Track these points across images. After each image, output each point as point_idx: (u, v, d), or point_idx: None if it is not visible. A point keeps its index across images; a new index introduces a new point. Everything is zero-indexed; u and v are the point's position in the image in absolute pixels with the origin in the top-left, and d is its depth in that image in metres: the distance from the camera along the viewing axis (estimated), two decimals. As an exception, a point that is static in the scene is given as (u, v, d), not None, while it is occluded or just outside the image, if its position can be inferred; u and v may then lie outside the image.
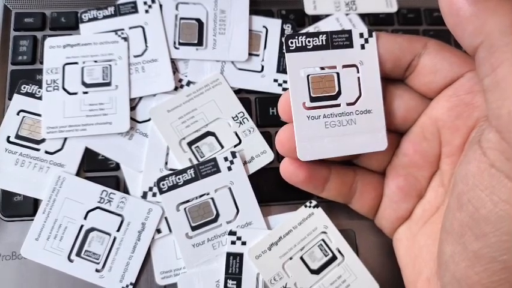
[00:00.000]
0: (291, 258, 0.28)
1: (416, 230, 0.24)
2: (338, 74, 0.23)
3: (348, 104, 0.23)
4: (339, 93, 0.23)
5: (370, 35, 0.23)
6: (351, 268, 0.28)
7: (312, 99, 0.23)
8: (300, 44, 0.23)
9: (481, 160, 0.18)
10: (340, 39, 0.23)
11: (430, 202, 0.24)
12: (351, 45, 0.23)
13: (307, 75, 0.23)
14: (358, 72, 0.23)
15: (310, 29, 0.27)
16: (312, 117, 0.23)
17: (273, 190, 0.30)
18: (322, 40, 0.23)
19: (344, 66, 0.23)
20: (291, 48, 0.23)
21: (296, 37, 0.23)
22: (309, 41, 0.23)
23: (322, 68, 0.23)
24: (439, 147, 0.23)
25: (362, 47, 0.23)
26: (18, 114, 0.30)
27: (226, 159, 0.29)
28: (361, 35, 0.23)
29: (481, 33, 0.17)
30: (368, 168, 0.27)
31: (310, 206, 0.29)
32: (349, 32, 0.23)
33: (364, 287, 0.27)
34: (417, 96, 0.24)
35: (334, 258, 0.28)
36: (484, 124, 0.20)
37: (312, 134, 0.23)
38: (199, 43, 0.32)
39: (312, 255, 0.28)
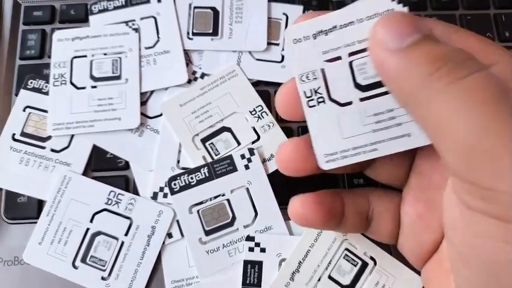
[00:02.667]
0: (319, 280, 0.25)
1: (449, 267, 0.19)
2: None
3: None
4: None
5: None
6: (387, 270, 0.25)
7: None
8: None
9: (458, 204, 0.16)
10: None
11: None
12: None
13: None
14: None
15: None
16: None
17: (294, 191, 0.27)
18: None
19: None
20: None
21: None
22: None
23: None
24: None
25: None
26: (24, 110, 0.29)
27: (243, 156, 0.27)
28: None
29: (404, 92, 0.16)
30: (382, 186, 0.23)
31: None
32: None
33: (406, 284, 0.25)
34: None
35: (365, 265, 0.25)
36: None
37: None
38: (214, 33, 0.30)
39: (341, 270, 0.25)
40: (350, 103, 0.19)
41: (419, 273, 0.23)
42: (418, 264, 0.22)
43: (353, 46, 0.18)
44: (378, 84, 0.18)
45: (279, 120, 0.29)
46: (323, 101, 0.19)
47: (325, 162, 0.19)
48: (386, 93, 0.18)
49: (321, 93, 0.19)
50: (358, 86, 0.19)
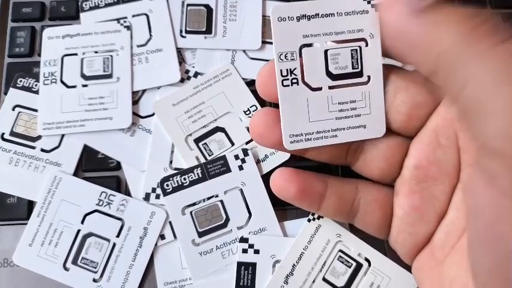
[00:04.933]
0: (313, 282, 0.25)
1: (441, 258, 0.20)
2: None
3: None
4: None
5: None
6: (382, 270, 0.25)
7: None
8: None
9: (491, 191, 0.15)
10: None
11: (454, 223, 0.20)
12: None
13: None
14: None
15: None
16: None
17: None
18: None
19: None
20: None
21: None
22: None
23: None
24: (458, 155, 0.19)
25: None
26: (13, 109, 0.28)
27: (237, 157, 0.27)
28: None
29: (433, 58, 0.15)
30: (371, 180, 0.22)
31: (314, 219, 0.26)
32: None
33: (401, 284, 0.25)
34: (426, 90, 0.20)
35: (359, 266, 0.25)
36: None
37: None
38: (208, 31, 0.30)
39: (335, 272, 0.25)
40: (320, 89, 0.20)
41: None
42: (409, 256, 0.22)
43: (331, 36, 0.19)
44: (347, 76, 0.20)
45: (273, 120, 0.28)
46: (297, 83, 0.20)
47: (289, 143, 0.20)
48: (352, 85, 0.20)
49: (296, 75, 0.19)
50: (329, 74, 0.20)
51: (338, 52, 0.19)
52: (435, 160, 0.20)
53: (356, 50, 0.19)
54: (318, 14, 0.19)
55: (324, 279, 0.25)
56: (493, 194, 0.15)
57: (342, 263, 0.25)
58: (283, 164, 0.27)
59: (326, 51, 0.19)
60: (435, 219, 0.20)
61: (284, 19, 0.19)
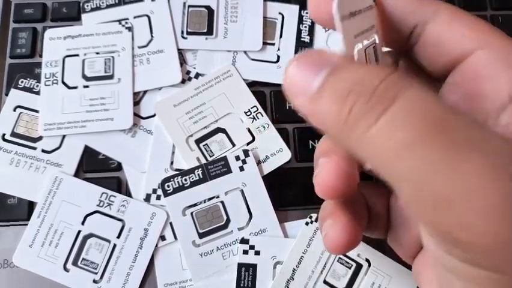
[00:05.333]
0: (314, 286, 0.25)
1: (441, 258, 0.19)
2: None
3: None
4: None
5: None
6: (382, 270, 0.25)
7: None
8: None
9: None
10: None
11: None
12: None
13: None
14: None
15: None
16: None
17: (290, 193, 0.27)
18: None
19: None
20: None
21: None
22: None
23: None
24: None
25: None
26: (14, 110, 0.28)
27: (237, 158, 0.27)
28: None
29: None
30: (369, 181, 0.22)
31: (312, 222, 0.26)
32: None
33: (403, 282, 0.25)
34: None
35: (359, 267, 0.25)
36: None
37: None
38: (209, 32, 0.30)
39: (335, 274, 0.25)
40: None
41: None
42: (409, 256, 0.21)
43: None
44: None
45: (274, 121, 0.28)
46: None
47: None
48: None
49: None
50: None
51: None
52: None
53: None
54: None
55: (325, 282, 0.25)
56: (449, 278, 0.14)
57: (342, 264, 0.25)
58: (285, 165, 0.27)
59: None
60: None
61: None
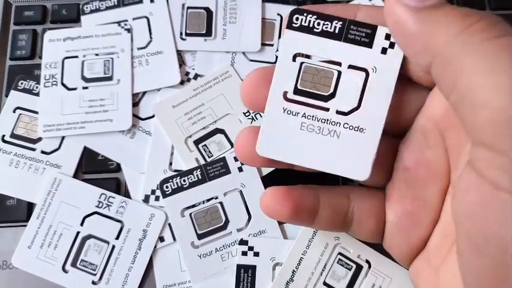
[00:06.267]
0: (314, 287, 0.25)
1: (437, 263, 0.19)
2: (339, 73, 0.19)
3: (339, 113, 0.19)
4: (332, 95, 0.19)
5: None
6: (382, 271, 0.25)
7: (297, 92, 0.19)
8: (306, 24, 0.19)
9: (481, 185, 0.15)
10: (358, 33, 0.19)
11: (448, 227, 0.19)
12: (369, 45, 0.19)
13: (301, 63, 0.19)
14: (367, 79, 0.19)
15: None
16: (289, 112, 0.19)
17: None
18: (335, 27, 0.19)
19: (351, 67, 0.19)
20: (294, 25, 0.19)
21: (305, 14, 0.19)
22: (318, 23, 0.19)
23: (323, 61, 0.19)
24: (446, 156, 0.19)
25: (384, 51, 0.19)
26: (14, 111, 0.28)
27: (236, 159, 0.27)
28: (387, 36, 0.19)
29: (430, 49, 0.16)
30: (362, 186, 0.22)
31: None
32: (373, 28, 0.19)
33: (403, 284, 0.25)
34: (415, 89, 0.19)
35: (359, 268, 0.25)
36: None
37: (281, 130, 0.19)
38: (208, 33, 0.30)
39: (335, 275, 0.25)
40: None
41: None
42: (406, 262, 0.21)
43: None
44: None
45: (273, 122, 0.28)
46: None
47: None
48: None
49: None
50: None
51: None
52: (424, 161, 0.19)
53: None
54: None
55: (325, 284, 0.25)
56: (483, 192, 0.15)
57: (342, 265, 0.25)
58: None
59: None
60: (428, 224, 0.19)
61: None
